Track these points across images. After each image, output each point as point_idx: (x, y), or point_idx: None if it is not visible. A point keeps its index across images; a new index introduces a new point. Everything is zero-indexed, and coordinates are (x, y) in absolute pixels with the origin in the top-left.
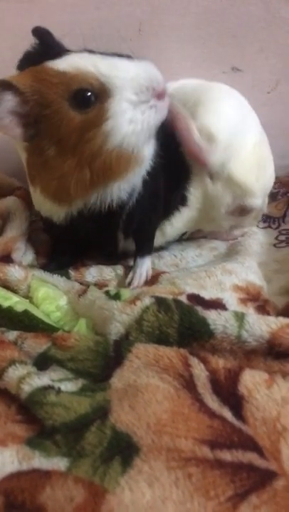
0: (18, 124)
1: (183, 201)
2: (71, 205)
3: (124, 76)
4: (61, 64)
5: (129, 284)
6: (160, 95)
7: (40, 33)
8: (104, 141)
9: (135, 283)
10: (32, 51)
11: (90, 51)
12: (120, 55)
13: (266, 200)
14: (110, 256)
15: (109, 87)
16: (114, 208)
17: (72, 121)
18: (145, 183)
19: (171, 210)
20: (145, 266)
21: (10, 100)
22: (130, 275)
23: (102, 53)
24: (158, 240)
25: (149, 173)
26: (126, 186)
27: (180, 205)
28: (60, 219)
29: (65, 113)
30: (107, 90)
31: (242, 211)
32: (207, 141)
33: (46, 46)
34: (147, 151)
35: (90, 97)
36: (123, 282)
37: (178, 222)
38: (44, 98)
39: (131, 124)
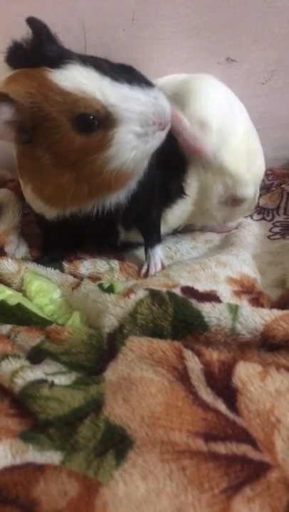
0: (12, 129)
1: (181, 191)
2: (65, 210)
3: (133, 109)
4: (65, 82)
5: (146, 275)
6: (164, 126)
7: (36, 25)
8: (105, 165)
9: (152, 273)
10: (23, 44)
11: (93, 60)
12: (126, 71)
13: (258, 190)
14: (110, 247)
15: (116, 117)
16: (111, 209)
17: (73, 142)
18: (141, 180)
19: (171, 199)
20: (158, 255)
21: (6, 112)
22: (145, 267)
23: (107, 68)
24: (161, 228)
25: (144, 171)
26: (124, 194)
27: (179, 194)
28: (52, 217)
29: (66, 132)
30: (114, 120)
31: (234, 201)
32: (200, 128)
33: (40, 40)
34: (145, 164)
35: (94, 122)
36: (127, 274)
37: (178, 210)
38: (44, 113)
39: (133, 152)
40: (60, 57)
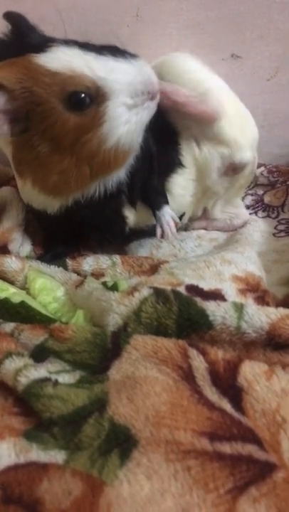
0: (5, 120)
1: (179, 161)
2: (69, 197)
3: (122, 80)
4: (52, 62)
5: (162, 236)
6: (153, 96)
7: (13, 17)
8: (101, 142)
9: (168, 232)
10: (4, 38)
11: (75, 42)
12: (109, 48)
13: (256, 156)
14: (115, 239)
15: (106, 90)
16: (113, 190)
17: (67, 122)
18: (138, 154)
19: (170, 168)
20: (167, 214)
21: None
22: (158, 229)
23: (90, 46)
24: (170, 205)
25: (144, 143)
26: (123, 172)
27: (177, 164)
28: (55, 210)
29: (59, 113)
30: (104, 94)
31: (234, 170)
32: (204, 95)
33: (20, 32)
34: (140, 139)
35: (86, 100)
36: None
37: (180, 180)
38: (36, 96)
39: (126, 125)
40: (43, 42)
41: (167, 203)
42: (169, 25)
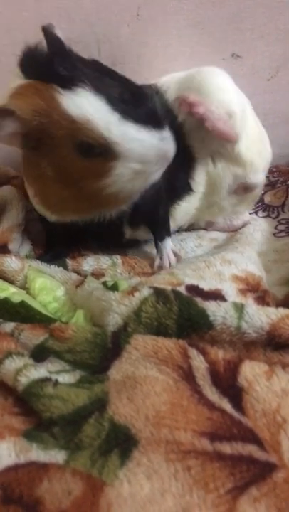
0: (18, 137)
1: (188, 187)
2: (66, 218)
3: (135, 151)
4: (73, 108)
5: (160, 268)
6: (165, 165)
7: (50, 38)
8: (104, 188)
9: (167, 265)
10: (37, 53)
11: (107, 82)
12: (141, 99)
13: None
14: (114, 247)
15: (117, 153)
16: (113, 218)
17: (75, 163)
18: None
19: (178, 196)
20: (168, 247)
21: (10, 126)
22: (157, 261)
23: (120, 98)
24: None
25: None
26: (126, 206)
27: (186, 191)
28: (53, 221)
29: (68, 152)
30: (114, 155)
31: (246, 189)
32: (230, 118)
33: (53, 55)
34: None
35: (96, 151)
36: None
37: (185, 207)
38: (49, 132)
39: (130, 184)
40: (72, 77)
41: (169, 234)
42: (170, 24)
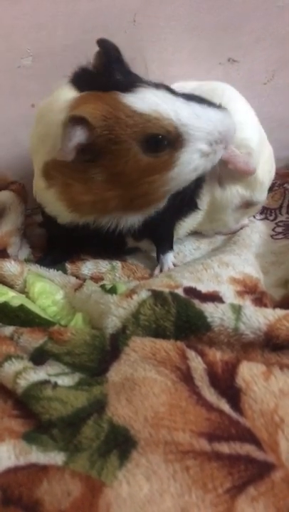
0: (76, 150)
1: (195, 205)
2: (85, 218)
3: (204, 128)
4: (139, 103)
5: None
6: (227, 145)
7: (107, 47)
8: (164, 184)
9: None
10: (90, 68)
11: (164, 86)
12: (195, 97)
13: None
14: (114, 254)
15: (186, 137)
16: (123, 228)
17: (139, 163)
18: None
19: (184, 213)
20: (169, 260)
21: (80, 136)
22: (157, 271)
23: (177, 92)
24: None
25: None
26: (141, 217)
27: (192, 208)
28: (64, 221)
29: (133, 154)
30: (184, 140)
31: (249, 205)
32: (247, 154)
33: (110, 63)
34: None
35: (163, 143)
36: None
37: (188, 223)
38: (115, 136)
39: (194, 173)
40: (131, 81)
41: (172, 248)
42: (166, 30)
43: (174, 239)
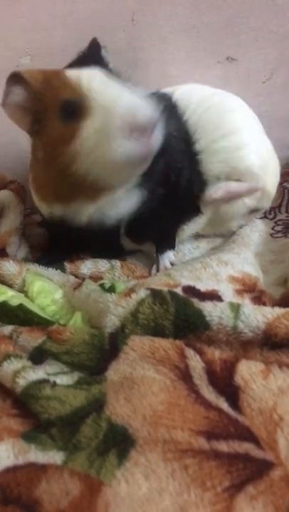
0: (25, 116)
1: (198, 210)
2: (52, 207)
3: (114, 102)
4: (72, 73)
5: None
6: (143, 131)
7: (92, 44)
8: (72, 160)
9: None
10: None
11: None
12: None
13: None
14: (113, 255)
15: (94, 105)
16: (112, 224)
17: (54, 130)
18: (145, 201)
19: (187, 217)
20: (166, 260)
21: (18, 94)
22: (154, 270)
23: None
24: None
25: (151, 193)
26: (102, 209)
27: (195, 213)
28: (46, 214)
29: (52, 120)
30: (91, 109)
31: (254, 211)
32: (252, 180)
33: (86, 54)
34: (124, 183)
35: (73, 109)
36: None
37: (191, 228)
38: (46, 102)
39: (96, 152)
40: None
41: (171, 247)
42: (165, 29)
43: (177, 241)
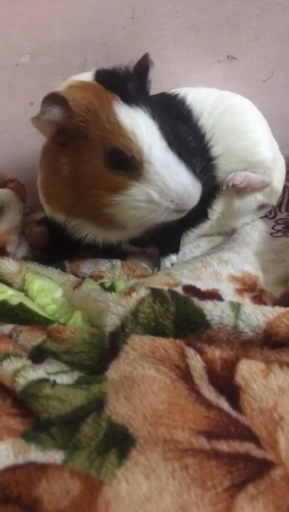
0: (53, 128)
1: (205, 215)
2: (56, 213)
3: (163, 179)
4: (126, 117)
5: None
6: (180, 210)
7: (142, 64)
8: (107, 205)
9: None
10: (117, 68)
11: (165, 120)
12: (186, 151)
13: None
14: (113, 256)
15: (144, 174)
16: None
17: (97, 169)
18: None
19: (193, 223)
20: (168, 262)
21: (56, 115)
22: (155, 272)
23: (175, 140)
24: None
25: None
26: (108, 235)
27: (202, 218)
28: (47, 213)
29: (96, 157)
30: (141, 175)
31: (262, 207)
32: (264, 173)
33: (136, 71)
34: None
35: (124, 165)
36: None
37: (195, 233)
38: (89, 132)
39: (135, 211)
40: (136, 98)
41: (174, 252)
42: (165, 27)
43: (182, 244)
